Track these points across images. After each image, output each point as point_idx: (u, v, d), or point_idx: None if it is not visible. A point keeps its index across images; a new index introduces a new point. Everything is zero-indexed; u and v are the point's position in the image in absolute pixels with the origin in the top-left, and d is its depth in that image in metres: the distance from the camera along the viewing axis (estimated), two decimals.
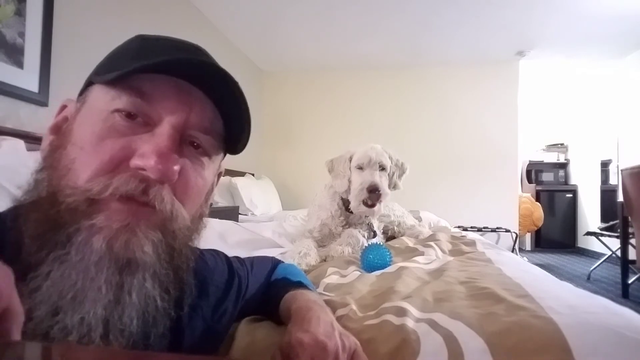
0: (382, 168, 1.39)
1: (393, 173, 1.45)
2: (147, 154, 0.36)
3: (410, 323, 0.54)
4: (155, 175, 0.36)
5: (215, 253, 0.61)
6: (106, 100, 0.39)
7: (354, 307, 0.64)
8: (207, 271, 0.53)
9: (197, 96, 0.41)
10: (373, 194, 1.30)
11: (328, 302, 0.66)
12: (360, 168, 1.38)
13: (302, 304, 0.55)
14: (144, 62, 0.37)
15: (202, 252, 0.53)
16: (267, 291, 0.64)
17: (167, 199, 0.37)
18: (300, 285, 0.63)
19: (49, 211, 0.35)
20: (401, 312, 0.58)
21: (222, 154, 0.47)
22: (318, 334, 0.45)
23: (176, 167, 0.37)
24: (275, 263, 0.73)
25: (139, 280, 0.36)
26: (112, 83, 0.39)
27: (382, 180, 1.34)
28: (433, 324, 0.54)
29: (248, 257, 0.69)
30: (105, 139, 0.37)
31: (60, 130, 0.41)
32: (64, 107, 0.44)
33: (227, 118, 0.43)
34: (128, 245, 0.35)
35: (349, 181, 1.40)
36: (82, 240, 0.34)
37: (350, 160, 1.42)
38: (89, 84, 0.42)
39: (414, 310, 0.59)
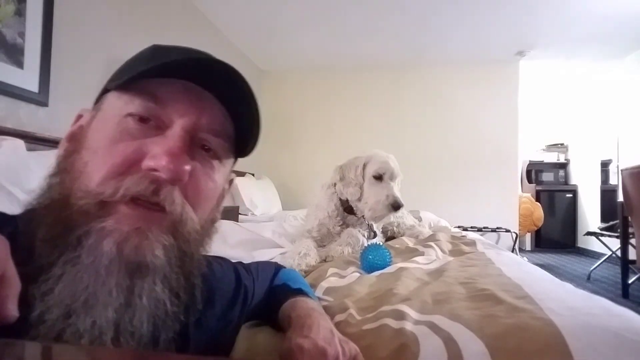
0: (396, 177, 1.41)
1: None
2: (158, 154, 0.37)
3: (409, 326, 0.54)
4: (167, 175, 0.36)
5: (222, 261, 0.60)
6: (119, 105, 0.39)
7: (352, 311, 0.64)
8: (214, 280, 0.52)
9: (207, 99, 0.41)
10: (397, 210, 1.33)
11: (326, 308, 0.66)
12: (378, 178, 1.38)
13: (301, 311, 0.55)
14: (153, 64, 0.37)
15: (210, 260, 0.53)
16: (267, 297, 0.64)
17: (178, 201, 0.38)
18: (300, 292, 0.63)
19: (61, 214, 0.35)
20: (400, 316, 0.58)
21: (233, 158, 0.47)
22: (318, 340, 0.45)
23: (187, 167, 0.38)
24: (277, 268, 0.73)
25: (149, 284, 0.36)
26: (125, 88, 0.39)
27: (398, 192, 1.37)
28: (433, 327, 0.53)
29: (252, 263, 0.69)
30: (118, 143, 0.37)
31: (75, 137, 0.41)
32: (79, 116, 0.44)
33: (237, 120, 0.44)
34: (139, 249, 0.35)
35: (361, 189, 1.40)
36: (92, 243, 0.34)
37: (364, 168, 1.42)
38: (104, 91, 0.43)
39: (413, 313, 0.59)
